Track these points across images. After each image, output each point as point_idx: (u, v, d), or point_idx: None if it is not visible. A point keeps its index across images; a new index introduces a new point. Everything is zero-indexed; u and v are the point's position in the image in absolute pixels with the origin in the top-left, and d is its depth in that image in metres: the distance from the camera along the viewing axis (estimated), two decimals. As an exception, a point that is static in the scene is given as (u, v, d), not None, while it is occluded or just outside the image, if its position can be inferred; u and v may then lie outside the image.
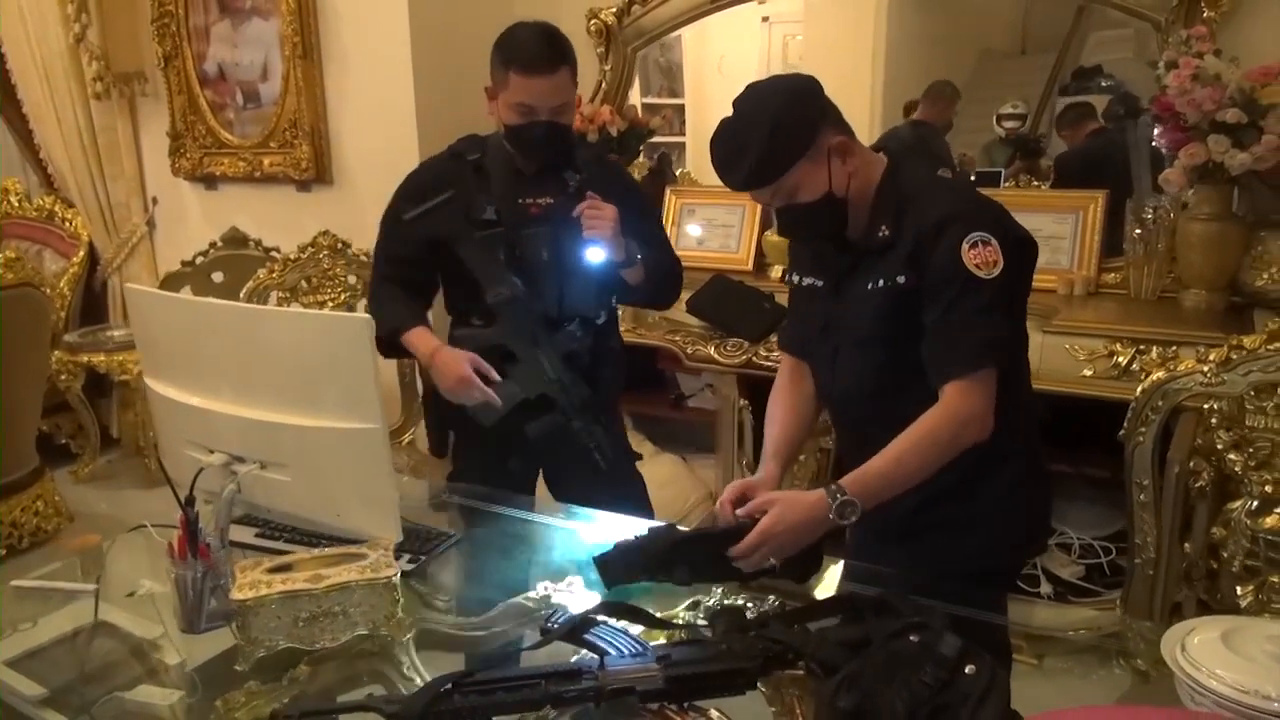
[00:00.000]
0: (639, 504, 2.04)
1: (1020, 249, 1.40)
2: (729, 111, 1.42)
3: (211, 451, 1.48)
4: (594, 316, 1.93)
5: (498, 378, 1.81)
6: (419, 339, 1.86)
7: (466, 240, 1.84)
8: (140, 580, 1.50)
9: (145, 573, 1.52)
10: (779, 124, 1.37)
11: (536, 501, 1.95)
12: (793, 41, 3.89)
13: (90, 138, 3.96)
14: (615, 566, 1.37)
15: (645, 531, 1.38)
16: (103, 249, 4.07)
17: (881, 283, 1.42)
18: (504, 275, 1.82)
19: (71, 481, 3.79)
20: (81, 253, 4.08)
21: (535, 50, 1.76)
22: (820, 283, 1.54)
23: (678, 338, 2.83)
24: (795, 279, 1.60)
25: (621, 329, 2.91)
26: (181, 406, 1.53)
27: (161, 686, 1.29)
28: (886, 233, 1.42)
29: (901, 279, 1.40)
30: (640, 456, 2.09)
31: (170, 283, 3.50)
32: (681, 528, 1.43)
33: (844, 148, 1.41)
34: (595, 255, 1.80)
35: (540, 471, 2.08)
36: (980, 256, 1.34)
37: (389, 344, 1.86)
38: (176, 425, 1.58)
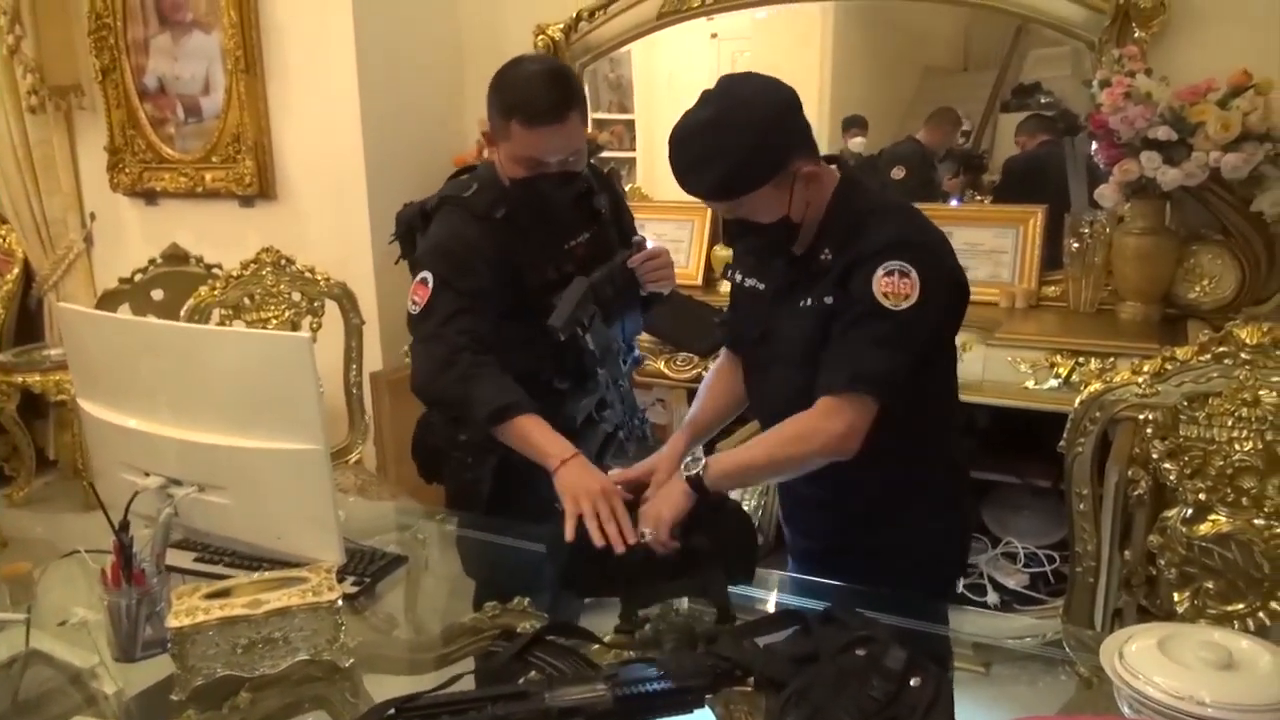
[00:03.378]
0: None
1: (953, 291, 1.41)
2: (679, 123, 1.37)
3: (148, 474, 1.45)
4: (631, 352, 1.89)
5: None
6: (545, 435, 1.53)
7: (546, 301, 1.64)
8: (73, 608, 1.46)
9: (79, 600, 1.47)
10: (757, 145, 1.33)
11: (482, 521, 1.94)
12: (741, 58, 3.92)
13: (25, 152, 3.85)
14: (583, 575, 1.37)
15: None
16: (38, 266, 3.97)
17: (811, 301, 1.42)
18: (599, 327, 1.70)
19: (6, 505, 3.68)
20: (16, 270, 3.97)
21: (542, 96, 1.54)
22: (761, 286, 1.54)
23: (628, 352, 2.82)
24: (738, 278, 1.59)
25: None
26: (116, 428, 1.49)
27: (97, 717, 1.26)
28: (829, 256, 1.41)
29: (829, 299, 1.40)
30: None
31: (108, 300, 3.41)
32: None
33: (810, 176, 1.38)
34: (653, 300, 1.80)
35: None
36: (891, 286, 1.32)
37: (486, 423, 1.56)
38: (112, 447, 1.54)
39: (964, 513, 1.63)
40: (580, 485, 1.42)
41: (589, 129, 1.77)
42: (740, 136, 1.32)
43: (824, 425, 1.35)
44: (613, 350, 1.78)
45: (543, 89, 1.55)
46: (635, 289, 1.76)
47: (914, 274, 1.32)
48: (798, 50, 3.65)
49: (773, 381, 1.52)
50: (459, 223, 1.67)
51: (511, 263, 1.65)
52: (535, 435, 1.52)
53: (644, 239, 1.79)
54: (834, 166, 1.47)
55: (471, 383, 1.55)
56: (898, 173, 3.19)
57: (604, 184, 1.82)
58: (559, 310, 1.62)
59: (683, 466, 1.39)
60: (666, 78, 3.70)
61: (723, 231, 1.49)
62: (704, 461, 1.38)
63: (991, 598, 2.59)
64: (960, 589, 2.60)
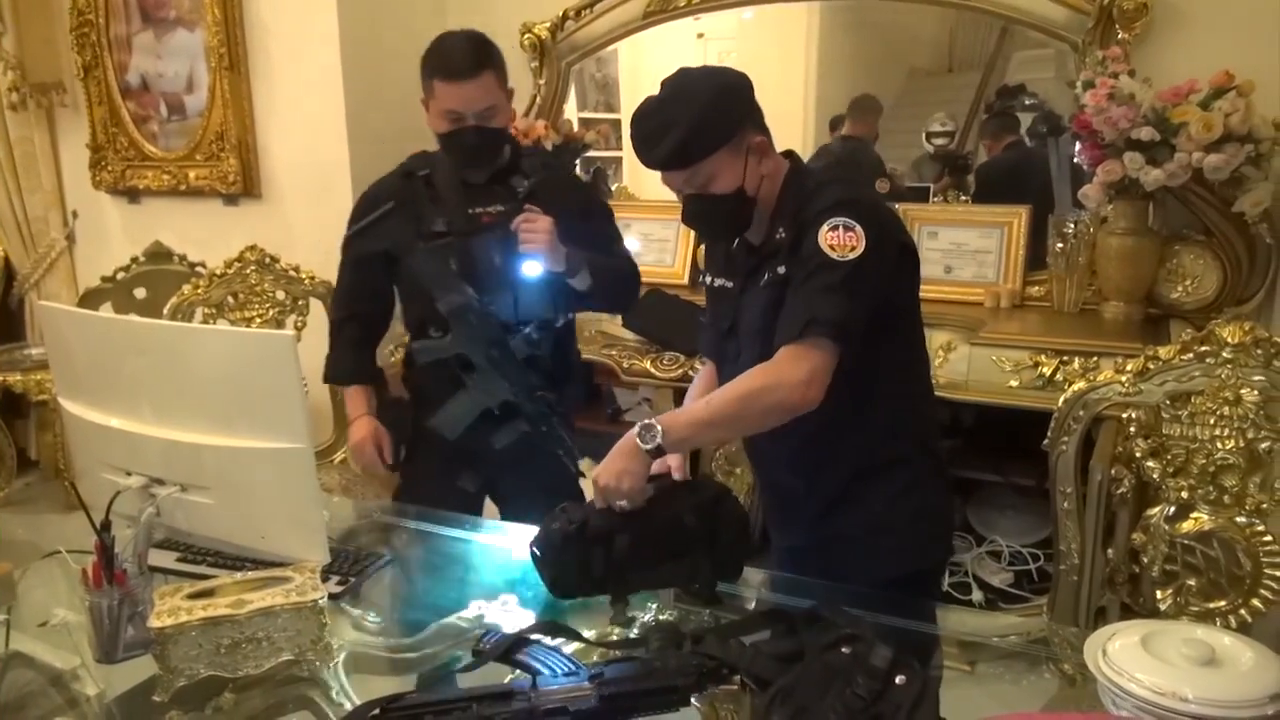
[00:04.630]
0: None
1: (901, 251, 1.44)
2: (639, 105, 1.43)
3: (130, 474, 1.43)
4: (552, 320, 1.91)
5: (390, 460, 1.98)
6: (351, 400, 2.01)
7: (417, 252, 1.84)
8: (54, 609, 1.44)
9: (60, 601, 1.46)
10: (707, 109, 1.39)
11: (468, 521, 1.93)
12: (728, 58, 3.93)
13: (6, 149, 3.81)
14: (564, 575, 1.37)
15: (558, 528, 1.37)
16: (19, 264, 3.93)
17: (768, 275, 1.45)
18: (456, 284, 1.81)
19: (-14, 506, 3.64)
20: (-4, 268, 3.93)
21: (457, 56, 1.77)
22: (730, 284, 1.56)
23: (614, 352, 2.82)
24: (709, 280, 1.62)
25: (557, 343, 2.93)
26: (98, 428, 1.48)
27: (80, 719, 1.24)
28: (783, 234, 1.44)
29: (782, 269, 1.43)
30: (583, 475, 2.08)
31: (90, 299, 3.38)
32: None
33: (762, 148, 1.44)
34: (532, 269, 1.80)
35: (489, 490, 2.05)
36: (837, 239, 1.35)
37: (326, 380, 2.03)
38: (93, 447, 1.53)
39: (941, 492, 1.62)
40: (353, 439, 1.97)
41: (511, 100, 1.89)
42: (691, 105, 1.39)
43: (784, 374, 1.34)
44: (472, 314, 1.81)
45: (460, 50, 1.78)
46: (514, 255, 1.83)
47: (858, 228, 1.36)
48: (783, 51, 3.66)
49: (743, 365, 1.51)
50: (385, 178, 1.96)
51: (414, 213, 1.85)
52: (349, 398, 2.01)
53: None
54: (783, 156, 1.51)
55: (335, 352, 2.02)
56: (883, 185, 3.20)
57: (554, 182, 1.92)
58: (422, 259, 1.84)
59: (638, 439, 1.36)
60: (653, 78, 3.70)
61: (682, 215, 1.50)
62: (658, 429, 1.35)
63: (976, 596, 2.60)
64: (945, 587, 2.61)
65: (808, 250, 1.37)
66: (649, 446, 1.35)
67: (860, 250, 1.35)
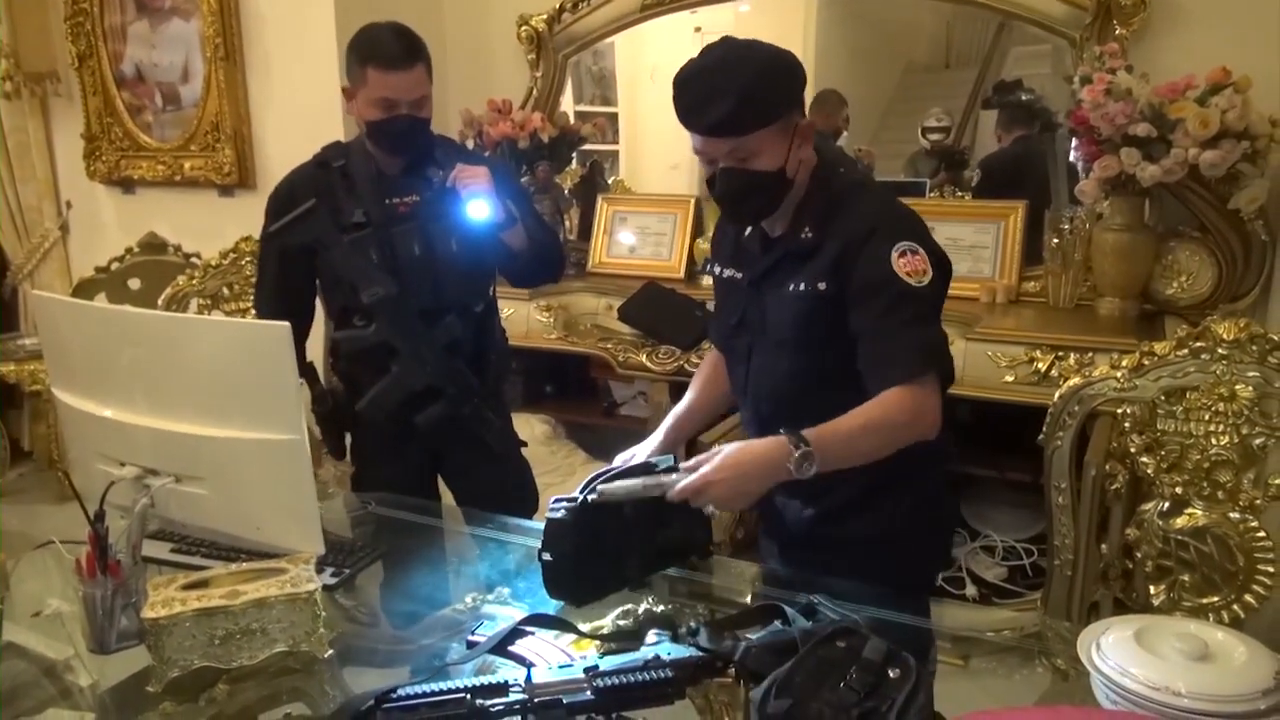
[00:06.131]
0: (527, 489, 2.13)
1: (940, 267, 1.42)
2: (661, 120, 1.41)
3: (123, 465, 1.43)
4: (472, 305, 1.97)
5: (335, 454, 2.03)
6: None
7: (336, 245, 1.85)
8: (48, 600, 1.44)
9: (54, 592, 1.45)
10: (767, 79, 1.36)
11: (462, 513, 1.95)
12: (724, 53, 3.94)
13: (0, 139, 3.80)
14: (563, 579, 1.36)
15: (566, 513, 1.36)
16: (13, 254, 3.92)
17: (804, 286, 1.42)
18: (377, 274, 1.85)
19: (-21, 497, 3.63)
20: (-10, 259, 3.92)
21: (392, 46, 1.79)
22: (739, 275, 1.54)
23: (609, 345, 2.82)
24: (716, 270, 1.61)
25: (552, 336, 2.94)
26: (92, 418, 1.47)
27: (73, 709, 1.24)
28: (810, 235, 1.42)
29: (823, 285, 1.40)
30: (525, 444, 2.15)
31: (84, 289, 3.37)
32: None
33: (807, 133, 1.41)
34: (478, 209, 1.80)
35: (438, 469, 2.11)
36: (911, 265, 1.34)
37: None
38: (87, 438, 1.52)
39: (947, 509, 1.63)
40: None
41: (431, 87, 1.90)
42: (751, 72, 1.35)
43: (916, 405, 1.33)
44: (394, 304, 1.85)
45: (395, 41, 1.80)
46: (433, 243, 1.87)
47: (921, 250, 1.36)
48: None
49: (759, 367, 1.51)
50: (299, 169, 1.97)
51: (333, 205, 1.86)
52: None
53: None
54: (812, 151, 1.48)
55: None
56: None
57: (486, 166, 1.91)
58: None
59: (792, 466, 1.29)
60: (650, 71, 3.70)
61: (711, 188, 1.44)
62: (815, 456, 1.29)
63: (970, 591, 2.60)
64: (939, 582, 2.62)
65: (876, 276, 1.35)
66: (804, 474, 1.30)
67: (930, 274, 1.36)
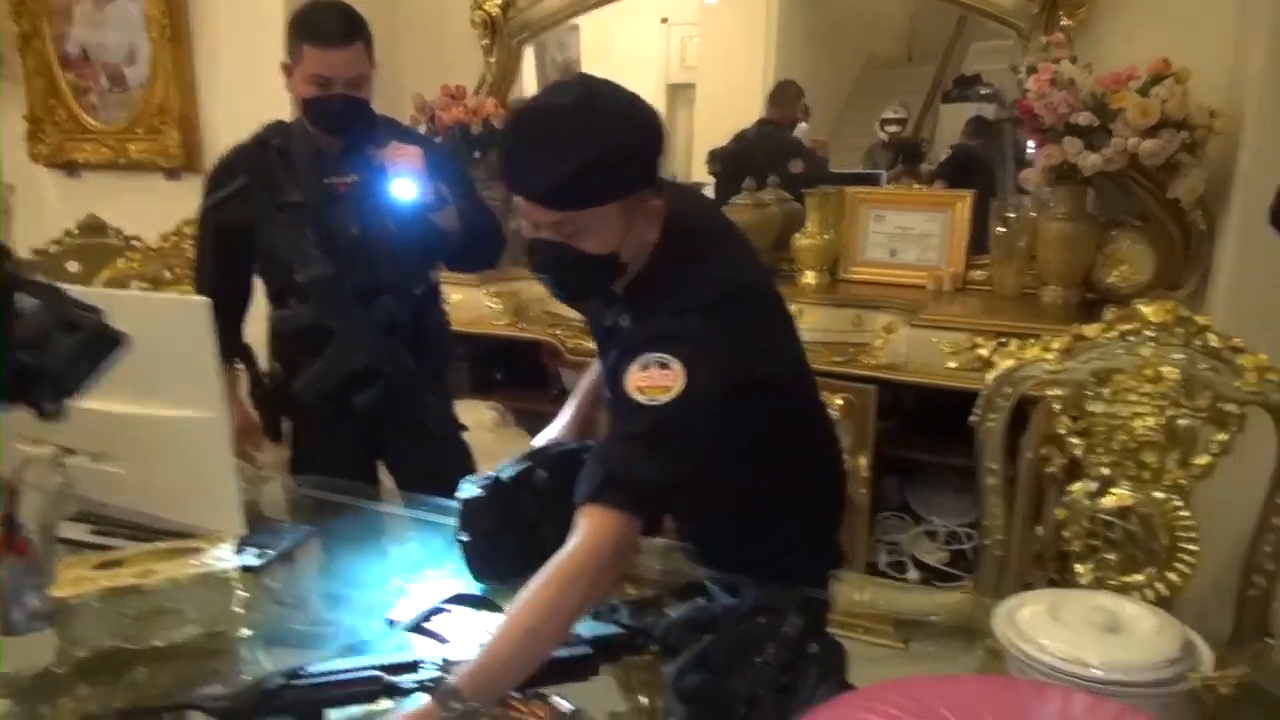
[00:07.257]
0: (468, 473, 2.07)
1: (740, 392, 1.17)
2: (526, 106, 1.23)
3: (37, 442, 1.39)
4: (410, 287, 1.95)
5: (271, 439, 2.02)
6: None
7: (272, 224, 1.84)
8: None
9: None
10: (621, 146, 1.13)
11: (389, 492, 1.95)
12: (690, 43, 3.94)
13: (-61, 120, 3.72)
14: (484, 557, 1.35)
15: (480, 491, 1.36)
16: (-47, 238, 3.83)
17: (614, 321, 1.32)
18: (313, 254, 1.83)
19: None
20: (-72, 242, 3.83)
21: (331, 24, 1.78)
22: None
23: (558, 331, 2.81)
24: None
25: (501, 322, 2.92)
26: (7, 396, 1.43)
27: (-20, 692, 1.21)
28: (626, 325, 1.27)
29: (624, 321, 1.30)
30: (466, 428, 2.15)
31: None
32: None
33: (654, 214, 1.20)
34: (404, 189, 1.77)
35: (378, 455, 2.08)
36: (648, 380, 1.12)
37: None
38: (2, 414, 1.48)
39: (837, 551, 1.53)
40: None
41: (372, 68, 1.87)
42: (601, 136, 1.11)
43: (582, 561, 1.07)
44: (330, 284, 1.85)
45: (334, 19, 1.78)
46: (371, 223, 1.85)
47: (675, 365, 1.12)
48: (744, 38, 3.69)
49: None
50: (238, 148, 1.94)
51: (270, 183, 1.85)
52: None
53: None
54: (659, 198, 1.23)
55: None
56: (795, 166, 3.23)
57: (426, 147, 1.88)
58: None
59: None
60: (615, 62, 3.69)
61: (530, 259, 1.22)
62: (462, 697, 0.99)
63: (912, 574, 2.63)
64: (882, 566, 2.64)
65: (619, 385, 1.15)
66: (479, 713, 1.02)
67: (676, 389, 1.11)
